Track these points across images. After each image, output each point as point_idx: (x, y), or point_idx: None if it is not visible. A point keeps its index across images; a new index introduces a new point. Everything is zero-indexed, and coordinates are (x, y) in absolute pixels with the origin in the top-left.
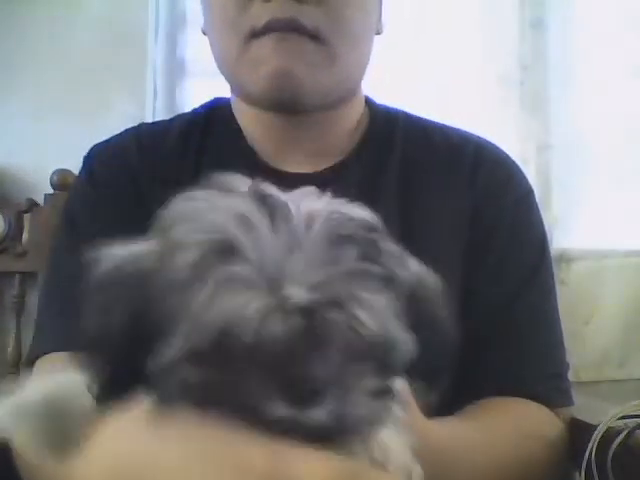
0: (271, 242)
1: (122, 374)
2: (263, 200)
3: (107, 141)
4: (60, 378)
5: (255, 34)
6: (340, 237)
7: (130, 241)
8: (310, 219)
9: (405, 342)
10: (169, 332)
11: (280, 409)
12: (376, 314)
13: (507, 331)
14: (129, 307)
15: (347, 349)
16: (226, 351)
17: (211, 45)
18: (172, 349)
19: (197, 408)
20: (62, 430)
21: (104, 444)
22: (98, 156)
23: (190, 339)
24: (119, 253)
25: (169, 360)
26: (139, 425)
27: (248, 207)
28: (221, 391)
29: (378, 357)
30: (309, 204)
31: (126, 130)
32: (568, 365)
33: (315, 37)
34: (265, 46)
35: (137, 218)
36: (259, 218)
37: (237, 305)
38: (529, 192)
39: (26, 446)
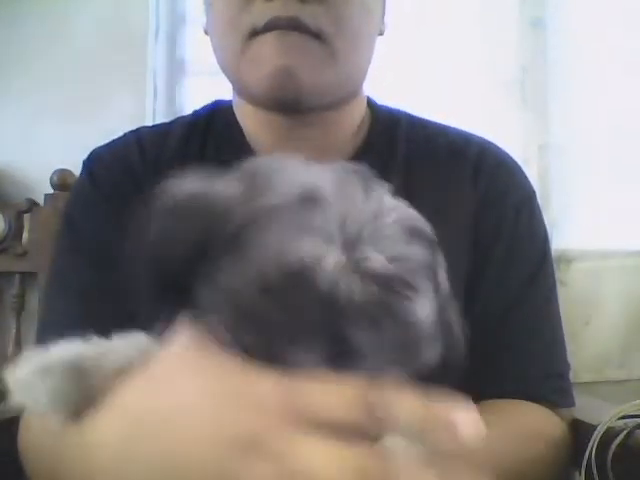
0: (359, 205)
1: (174, 282)
2: (354, 171)
3: (107, 144)
4: (86, 343)
5: (256, 32)
6: (414, 230)
7: (207, 178)
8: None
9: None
10: (238, 259)
11: (313, 362)
12: (433, 315)
13: (509, 333)
14: (198, 228)
15: (400, 335)
16: (296, 292)
17: (213, 45)
18: (242, 276)
19: (247, 335)
20: (84, 392)
21: (124, 396)
22: (99, 159)
23: (264, 271)
24: (197, 185)
25: (235, 284)
26: (158, 375)
27: (340, 173)
28: (278, 327)
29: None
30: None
31: (125, 133)
32: (569, 366)
33: (317, 36)
34: (266, 43)
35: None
36: (351, 181)
37: (316, 253)
38: (531, 195)
39: (46, 405)
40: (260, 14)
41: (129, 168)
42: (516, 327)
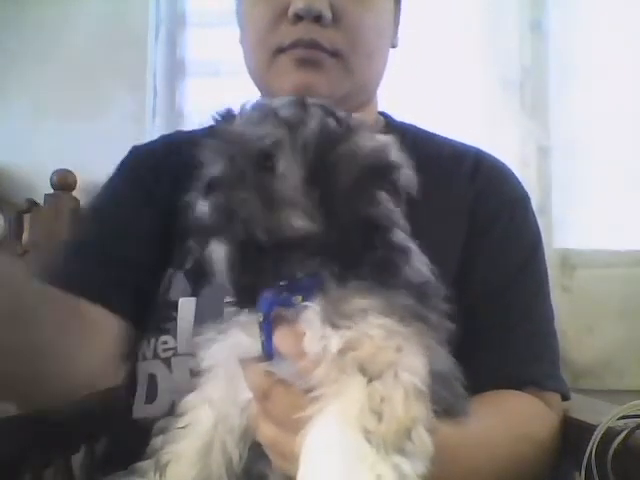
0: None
1: None
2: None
3: (145, 144)
4: None
5: (282, 50)
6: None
7: None
8: None
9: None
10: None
11: None
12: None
13: (499, 317)
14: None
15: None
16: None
17: (245, 55)
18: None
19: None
20: None
21: None
22: (133, 156)
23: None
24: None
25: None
26: None
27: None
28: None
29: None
30: None
31: (163, 136)
32: (559, 354)
33: (334, 54)
34: (289, 61)
35: (149, 217)
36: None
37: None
38: (525, 196)
39: None
40: (286, 35)
41: (154, 167)
42: (507, 312)
